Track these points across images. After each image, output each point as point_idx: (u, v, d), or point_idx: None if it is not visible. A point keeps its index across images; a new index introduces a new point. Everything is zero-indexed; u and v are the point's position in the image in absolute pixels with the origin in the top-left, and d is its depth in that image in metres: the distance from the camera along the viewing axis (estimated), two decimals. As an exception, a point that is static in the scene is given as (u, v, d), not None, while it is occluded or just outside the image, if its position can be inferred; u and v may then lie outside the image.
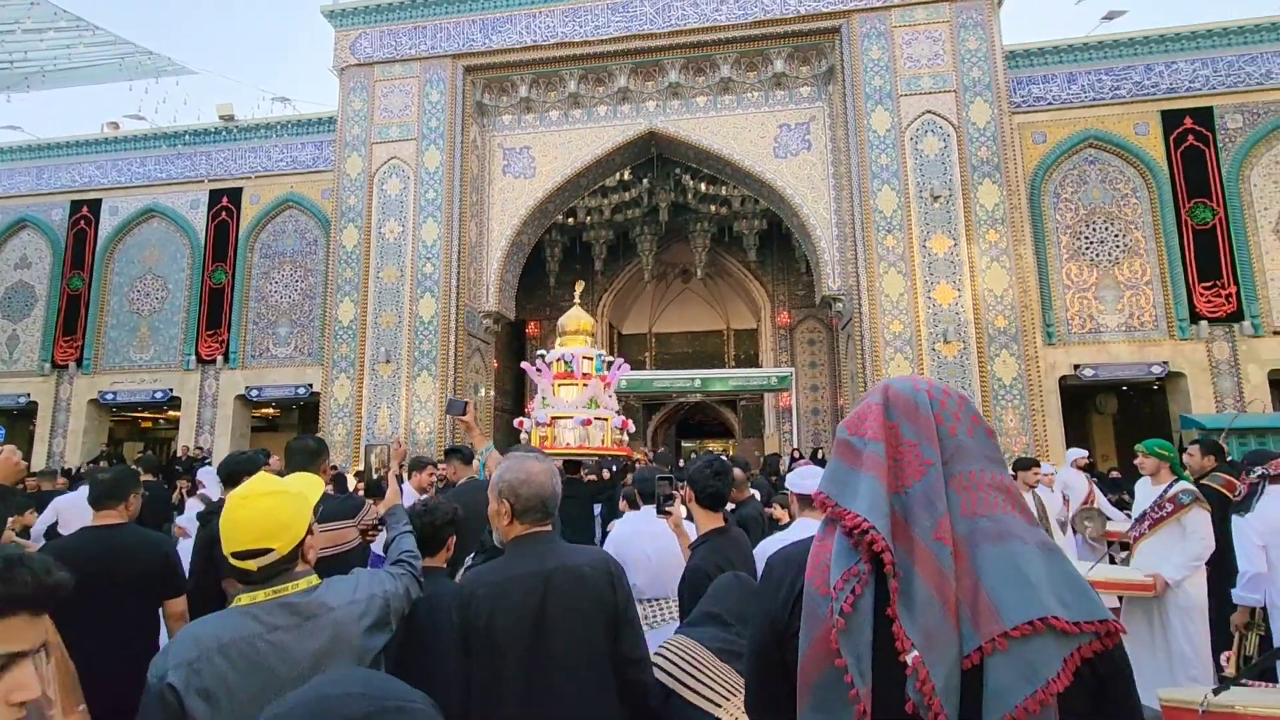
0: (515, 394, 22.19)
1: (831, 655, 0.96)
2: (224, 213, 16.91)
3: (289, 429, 19.33)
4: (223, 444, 16.00)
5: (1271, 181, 13.71)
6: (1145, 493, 4.54)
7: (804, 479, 2.90)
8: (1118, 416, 17.03)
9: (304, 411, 18.82)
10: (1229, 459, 8.96)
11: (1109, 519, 7.31)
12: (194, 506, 6.22)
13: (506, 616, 1.80)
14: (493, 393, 16.47)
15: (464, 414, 3.42)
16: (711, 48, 14.69)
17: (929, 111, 13.53)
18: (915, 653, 0.92)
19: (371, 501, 3.75)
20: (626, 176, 18.38)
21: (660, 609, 3.46)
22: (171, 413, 18.14)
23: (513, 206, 15.70)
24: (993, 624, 0.91)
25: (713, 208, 19.16)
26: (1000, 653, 0.89)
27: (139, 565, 2.87)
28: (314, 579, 1.68)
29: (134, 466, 6.44)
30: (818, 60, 14.74)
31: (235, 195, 16.98)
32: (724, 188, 18.24)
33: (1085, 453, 7.86)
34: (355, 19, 15.59)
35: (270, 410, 19.42)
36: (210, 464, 15.26)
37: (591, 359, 7.92)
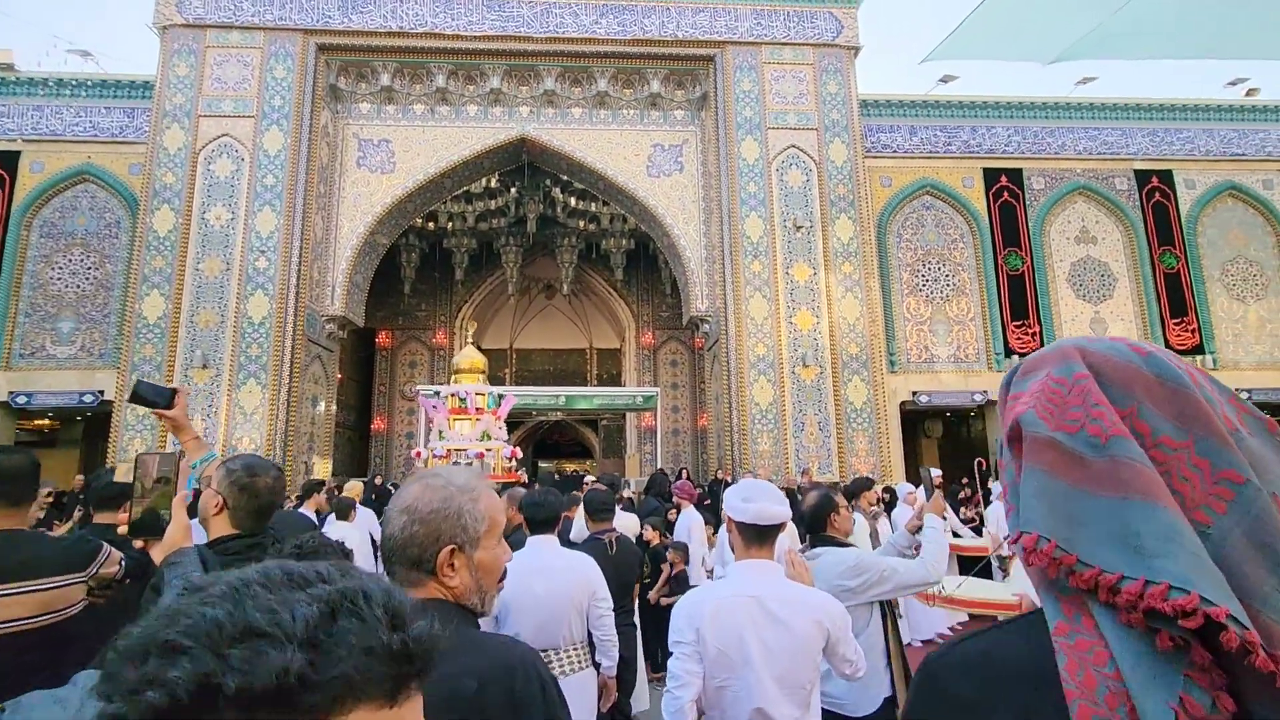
0: (360, 409, 20.29)
1: None
2: (-8, 180, 13.85)
3: (70, 444, 16.09)
4: (-28, 462, 12.88)
5: (1065, 238, 15.85)
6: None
7: (752, 501, 2.03)
8: (942, 439, 18.76)
9: (92, 423, 15.75)
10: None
11: (958, 535, 7.77)
12: None
13: None
14: (334, 407, 14.77)
15: (170, 407, 2.10)
16: (589, 59, 14.43)
17: (793, 146, 14.18)
18: None
19: (114, 550, 2.35)
20: (494, 184, 17.55)
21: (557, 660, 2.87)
22: (-101, 422, 14.38)
23: (366, 202, 14.31)
24: None
25: (581, 223, 18.83)
26: None
27: None
28: None
29: None
30: (692, 85, 14.98)
31: (9, 160, 13.98)
32: (593, 204, 17.99)
33: (939, 472, 8.28)
34: (184, -27, 13.56)
35: (45, 421, 16.07)
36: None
37: (484, 395, 8.25)
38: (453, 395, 8.30)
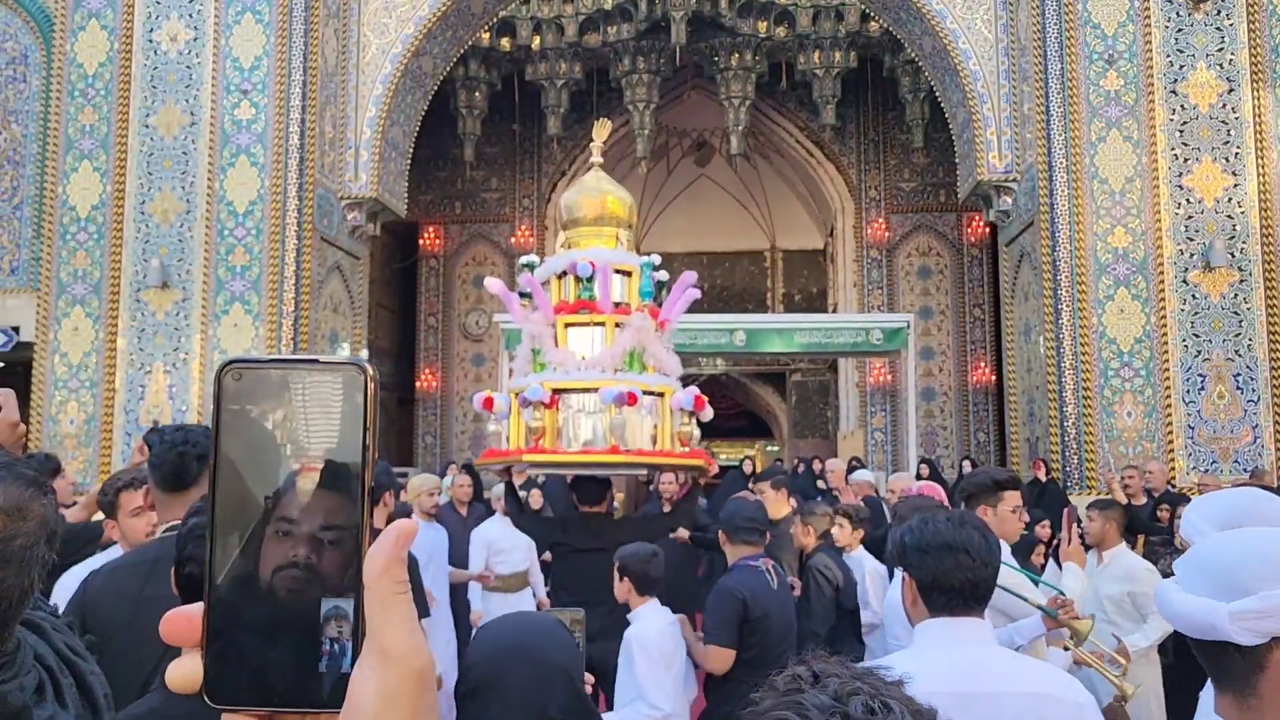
0: (403, 350, 20.82)
1: None
2: None
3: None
4: None
5: None
6: None
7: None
8: None
9: (7, 376, 16.86)
10: None
11: None
12: None
13: None
14: (364, 347, 14.88)
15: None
16: None
17: None
18: None
19: None
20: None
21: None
22: None
23: (405, 5, 14.23)
24: None
25: (762, 25, 18.17)
26: None
27: None
28: None
29: None
30: None
31: None
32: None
33: None
34: None
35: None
36: None
37: (632, 272, 6.21)
38: (562, 274, 6.27)
